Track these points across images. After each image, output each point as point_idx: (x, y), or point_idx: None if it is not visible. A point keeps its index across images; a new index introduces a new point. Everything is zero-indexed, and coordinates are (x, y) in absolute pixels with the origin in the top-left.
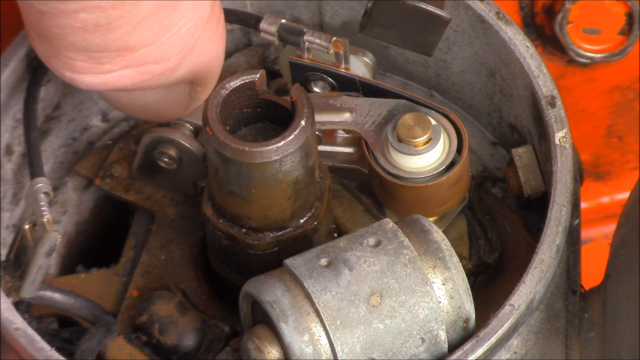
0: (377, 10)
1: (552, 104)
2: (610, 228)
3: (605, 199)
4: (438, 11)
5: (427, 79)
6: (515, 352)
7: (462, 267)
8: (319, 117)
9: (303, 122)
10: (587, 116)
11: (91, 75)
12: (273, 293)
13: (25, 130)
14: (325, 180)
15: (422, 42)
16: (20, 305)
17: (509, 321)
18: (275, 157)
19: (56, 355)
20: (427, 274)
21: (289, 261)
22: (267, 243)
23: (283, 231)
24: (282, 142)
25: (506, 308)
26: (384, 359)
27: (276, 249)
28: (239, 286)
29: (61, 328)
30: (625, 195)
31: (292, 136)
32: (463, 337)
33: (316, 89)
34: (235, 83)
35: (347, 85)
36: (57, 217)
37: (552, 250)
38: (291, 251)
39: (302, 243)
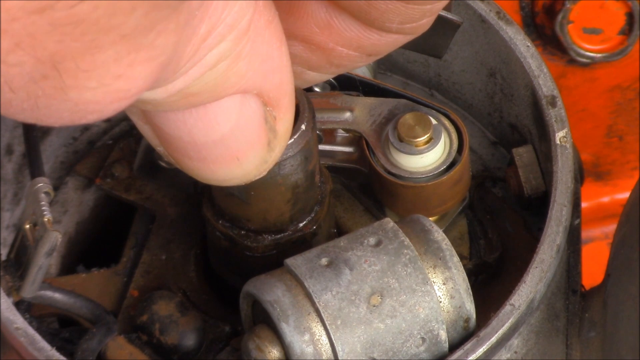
0: None
1: (553, 104)
2: (611, 228)
3: (606, 199)
4: (449, 15)
5: (428, 79)
6: (515, 352)
7: (462, 267)
8: (319, 116)
9: (303, 126)
10: (587, 116)
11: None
12: (273, 293)
13: (24, 130)
14: (327, 185)
15: (433, 45)
16: (21, 305)
17: (510, 321)
18: None
19: (56, 355)
20: (427, 274)
21: (289, 261)
22: (266, 246)
23: (282, 234)
24: None
25: (507, 308)
26: (384, 359)
27: (275, 251)
28: (239, 287)
29: (62, 328)
30: (625, 195)
31: (292, 140)
32: (463, 337)
33: (316, 89)
34: None
35: (348, 84)
36: (58, 216)
37: (553, 250)
38: (290, 255)
39: (301, 247)
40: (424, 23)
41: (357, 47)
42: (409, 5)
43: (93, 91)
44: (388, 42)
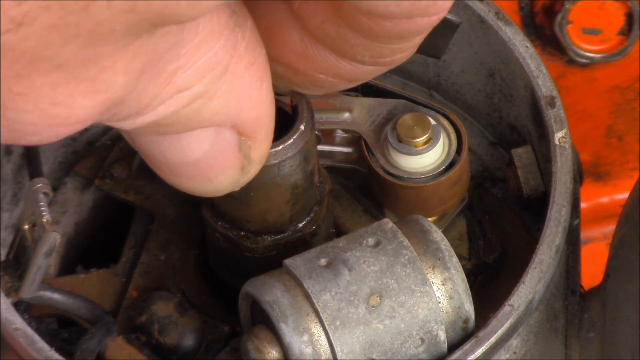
0: None
1: (552, 104)
2: (610, 228)
3: (605, 199)
4: (448, 16)
5: (427, 79)
6: (514, 353)
7: (461, 268)
8: (318, 117)
9: (302, 127)
10: (586, 116)
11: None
12: (272, 293)
13: None
14: (325, 185)
15: (432, 46)
16: (20, 306)
17: (509, 321)
18: (274, 161)
19: (55, 355)
20: (426, 274)
21: (288, 261)
22: (265, 247)
23: (281, 235)
24: (280, 146)
25: (506, 308)
26: (383, 359)
27: (274, 252)
28: (238, 287)
29: (61, 328)
30: (625, 196)
31: (291, 140)
32: (462, 338)
33: None
34: None
35: None
36: (57, 217)
37: (552, 250)
38: (289, 255)
39: (300, 247)
40: (399, 58)
41: (335, 75)
42: (375, 44)
43: (30, 114)
44: (366, 72)
